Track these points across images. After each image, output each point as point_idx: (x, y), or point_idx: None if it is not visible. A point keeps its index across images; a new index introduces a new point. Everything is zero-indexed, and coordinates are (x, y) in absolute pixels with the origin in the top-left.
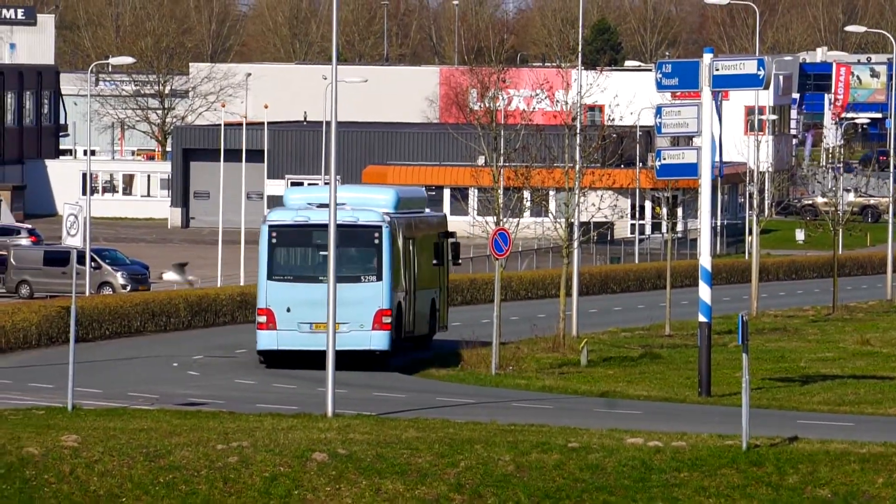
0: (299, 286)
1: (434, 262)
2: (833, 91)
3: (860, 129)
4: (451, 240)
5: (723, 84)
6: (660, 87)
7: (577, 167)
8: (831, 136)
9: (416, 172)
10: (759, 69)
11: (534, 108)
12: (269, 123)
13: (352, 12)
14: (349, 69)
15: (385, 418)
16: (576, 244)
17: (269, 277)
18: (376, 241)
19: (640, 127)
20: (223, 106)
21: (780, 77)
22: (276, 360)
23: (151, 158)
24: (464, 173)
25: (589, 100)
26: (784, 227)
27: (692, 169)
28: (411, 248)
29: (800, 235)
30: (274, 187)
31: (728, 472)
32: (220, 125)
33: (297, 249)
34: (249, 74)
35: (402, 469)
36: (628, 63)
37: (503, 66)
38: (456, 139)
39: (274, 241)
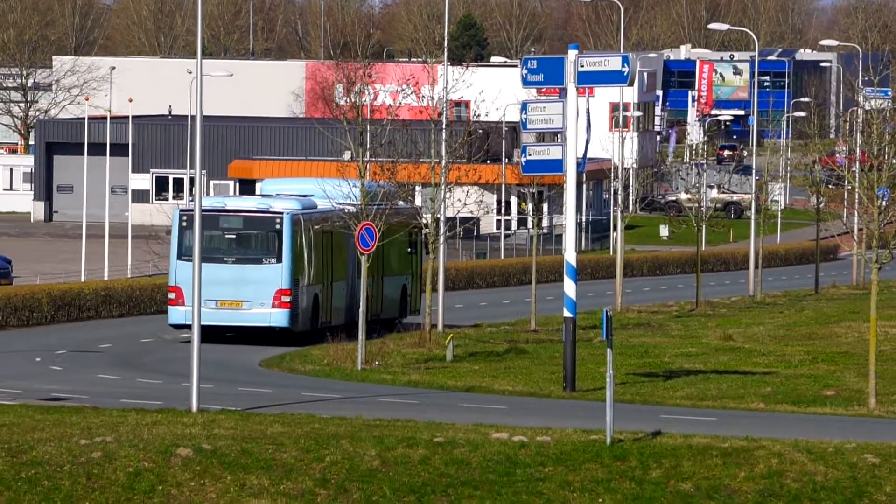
0: (207, 266)
1: (408, 250)
2: (697, 88)
3: (723, 126)
4: (423, 231)
5: (588, 80)
6: (525, 83)
7: (443, 162)
8: (695, 132)
9: (282, 167)
10: (623, 66)
11: (400, 104)
12: (133, 117)
13: (217, 6)
14: (214, 63)
15: (250, 413)
16: (441, 239)
17: (179, 257)
18: (277, 227)
19: (506, 123)
20: (87, 99)
21: (645, 74)
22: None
23: (14, 152)
24: (330, 168)
25: (455, 95)
26: (648, 223)
27: (557, 165)
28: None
29: (664, 231)
30: (139, 181)
31: (592, 467)
32: (83, 119)
33: (205, 232)
34: (114, 68)
35: (268, 464)
36: (494, 59)
37: (369, 60)
38: (322, 134)
39: (184, 224)
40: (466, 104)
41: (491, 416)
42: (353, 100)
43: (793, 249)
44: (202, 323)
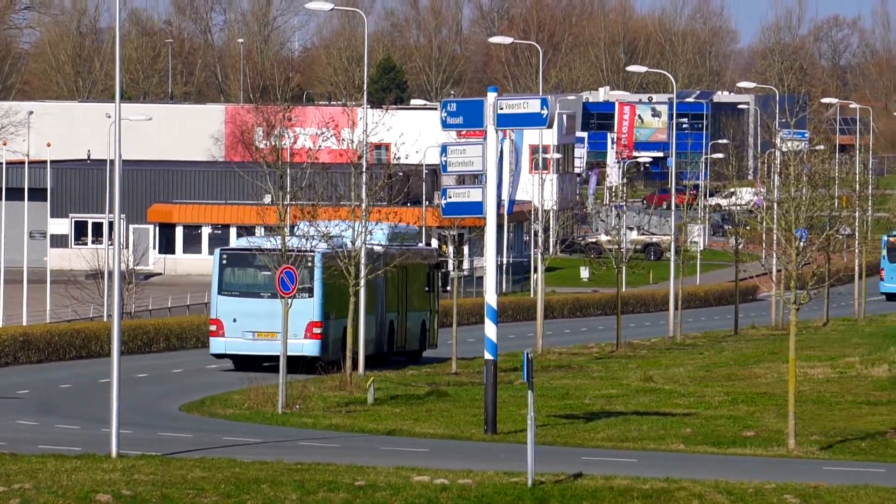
0: (245, 300)
1: (426, 288)
2: (617, 130)
3: (642, 168)
4: (441, 270)
5: (507, 123)
6: (445, 125)
7: (364, 205)
8: (614, 174)
9: (202, 211)
10: (542, 108)
11: (320, 147)
12: (52, 162)
13: (136, 50)
14: (133, 107)
15: (171, 458)
16: (362, 282)
17: (219, 293)
18: (309, 265)
19: (426, 165)
20: (4, 144)
21: (564, 116)
22: (232, 360)
23: None
24: (250, 212)
25: (375, 138)
26: (569, 264)
27: (478, 207)
28: (396, 275)
29: (584, 273)
30: (57, 226)
31: None
32: (1, 164)
33: (243, 269)
34: (31, 112)
35: None
36: (414, 101)
37: (289, 104)
38: (242, 177)
39: (224, 262)
40: (387, 147)
41: (413, 459)
42: (272, 143)
43: (712, 290)
44: (239, 352)
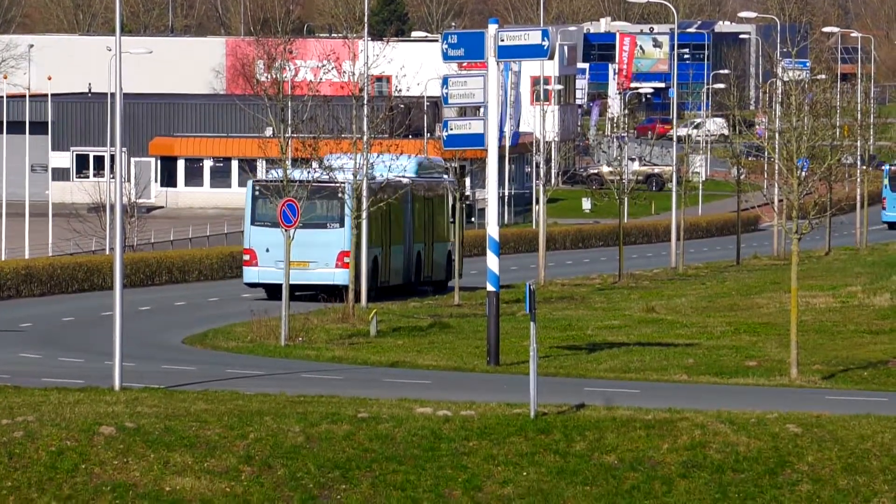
0: (276, 231)
1: (451, 220)
2: (617, 61)
3: (644, 99)
4: (466, 202)
5: (508, 55)
6: (446, 57)
7: (365, 138)
8: (616, 105)
9: (203, 144)
10: (543, 39)
11: (321, 80)
12: (53, 95)
13: None
14: (134, 40)
15: (173, 391)
16: (364, 214)
17: (252, 223)
18: (340, 195)
19: (428, 98)
20: (5, 78)
21: (565, 48)
22: (265, 289)
23: None
24: (251, 145)
25: (376, 70)
26: (571, 196)
27: (479, 139)
28: (423, 207)
29: (586, 205)
30: (59, 159)
31: (516, 440)
32: (2, 97)
33: (275, 200)
34: (32, 46)
35: (191, 441)
36: (415, 34)
37: (290, 36)
38: (243, 110)
39: (256, 193)
40: (388, 79)
41: (415, 391)
42: (273, 76)
43: (714, 221)
44: (271, 281)
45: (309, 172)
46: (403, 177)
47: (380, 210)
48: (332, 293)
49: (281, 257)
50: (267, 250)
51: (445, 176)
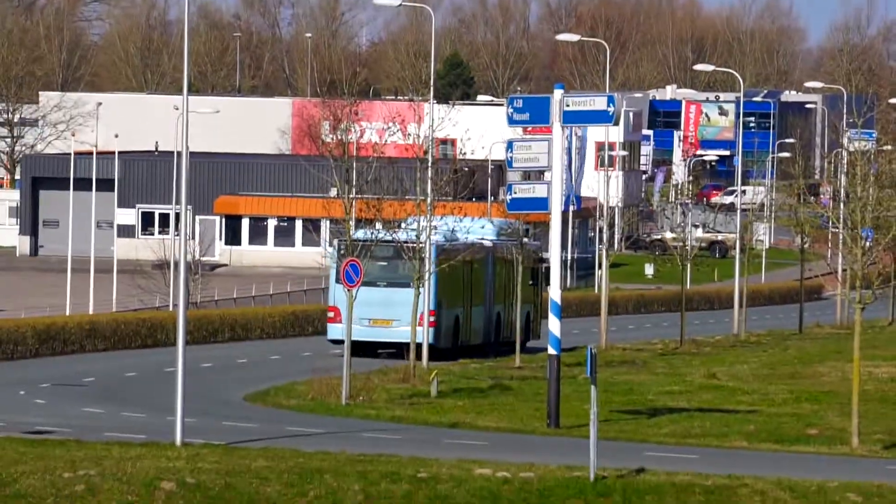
0: (361, 289)
1: (530, 282)
2: (683, 128)
3: (709, 166)
4: (545, 265)
5: (573, 120)
6: (511, 121)
7: (429, 200)
8: (680, 172)
9: (268, 203)
10: (608, 105)
11: (386, 141)
12: (119, 153)
13: (204, 44)
14: (201, 100)
15: (234, 447)
16: (427, 276)
17: (337, 281)
18: (423, 257)
19: (492, 161)
20: (73, 135)
21: (631, 114)
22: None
23: (0, 186)
24: (315, 204)
25: (441, 133)
26: (634, 261)
27: (543, 203)
28: (503, 268)
29: (649, 270)
30: (124, 216)
31: (576, 503)
32: (70, 154)
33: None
34: (100, 104)
35: (251, 498)
36: (480, 97)
37: (356, 98)
38: (308, 170)
39: (342, 252)
40: (452, 142)
41: (475, 451)
42: (339, 137)
43: (777, 289)
44: (357, 339)
45: (393, 233)
46: (484, 239)
47: (462, 270)
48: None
49: (365, 315)
50: None
51: (526, 239)
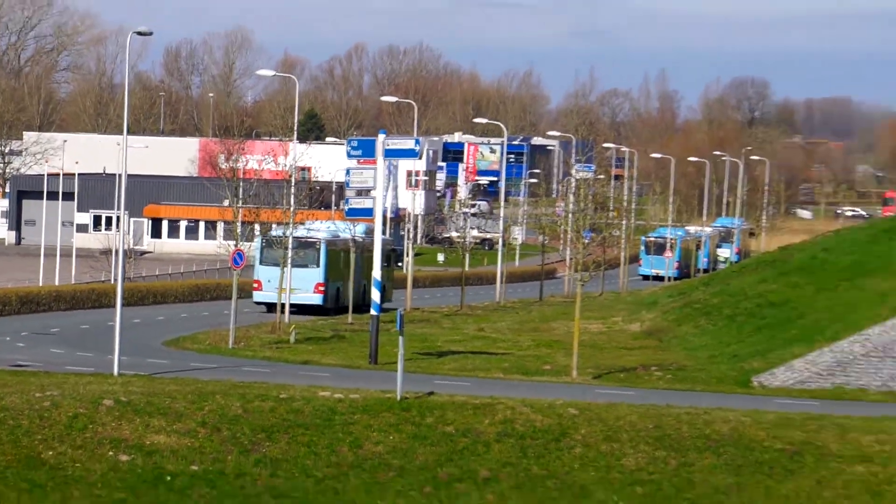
0: (274, 269)
1: (385, 264)
2: (465, 162)
3: (482, 188)
4: (395, 252)
5: (391, 155)
6: (349, 155)
7: (292, 209)
8: (463, 191)
9: (182, 210)
10: (415, 145)
11: (263, 168)
12: (79, 174)
13: (138, 99)
14: (136, 138)
15: (154, 377)
16: (288, 258)
17: (260, 263)
18: (317, 247)
19: (336, 182)
20: (47, 162)
21: (430, 151)
22: (266, 306)
23: None
24: (214, 211)
25: (301, 163)
26: (430, 251)
27: (369, 212)
28: (367, 255)
29: (441, 257)
30: (81, 218)
31: (387, 415)
32: (44, 175)
33: (274, 250)
34: (66, 140)
35: (165, 411)
36: (329, 139)
37: (243, 138)
38: (209, 188)
39: (264, 244)
40: (308, 169)
41: (320, 381)
42: (231, 165)
43: (526, 271)
44: (272, 301)
45: (296, 230)
46: (356, 235)
47: (341, 256)
48: (311, 310)
49: (275, 285)
50: (269, 281)
51: (384, 236)
